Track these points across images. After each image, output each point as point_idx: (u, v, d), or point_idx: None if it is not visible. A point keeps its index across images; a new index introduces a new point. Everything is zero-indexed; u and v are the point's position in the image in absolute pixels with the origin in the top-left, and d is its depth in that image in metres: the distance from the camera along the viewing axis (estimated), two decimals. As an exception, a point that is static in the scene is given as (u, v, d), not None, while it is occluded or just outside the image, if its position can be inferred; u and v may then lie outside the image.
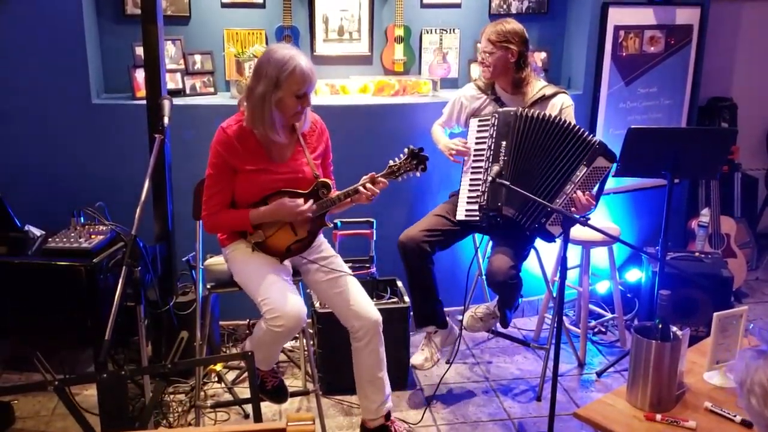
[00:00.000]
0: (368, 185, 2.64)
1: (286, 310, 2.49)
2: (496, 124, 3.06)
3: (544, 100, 3.16)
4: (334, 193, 2.69)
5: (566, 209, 2.97)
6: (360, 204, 2.70)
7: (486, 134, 3.10)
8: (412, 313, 3.27)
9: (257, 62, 2.61)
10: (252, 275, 2.63)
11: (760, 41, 4.93)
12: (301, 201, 2.62)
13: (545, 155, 3.00)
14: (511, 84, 3.18)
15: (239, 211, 2.67)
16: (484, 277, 3.59)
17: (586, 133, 3.01)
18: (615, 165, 3.05)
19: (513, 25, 3.14)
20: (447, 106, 3.42)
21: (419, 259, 3.10)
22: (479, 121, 3.16)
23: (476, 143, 3.15)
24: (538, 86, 3.20)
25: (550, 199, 2.95)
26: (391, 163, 2.68)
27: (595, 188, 3.02)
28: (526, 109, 3.04)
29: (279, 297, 2.53)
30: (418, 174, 2.68)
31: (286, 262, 2.76)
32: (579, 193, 2.95)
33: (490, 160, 3.04)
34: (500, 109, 3.10)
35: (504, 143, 3.02)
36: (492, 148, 3.05)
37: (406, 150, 2.67)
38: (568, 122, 3.03)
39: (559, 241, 3.08)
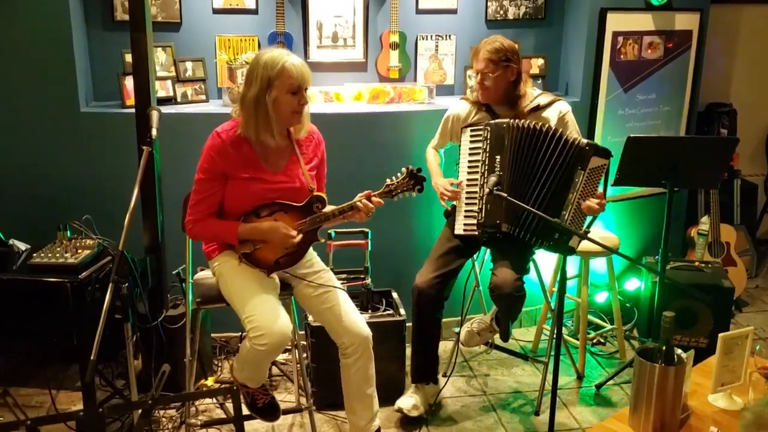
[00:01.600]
0: (364, 201, 2.57)
1: (271, 328, 2.43)
2: (488, 137, 2.97)
3: (539, 109, 3.08)
4: (329, 208, 2.63)
5: (578, 217, 2.91)
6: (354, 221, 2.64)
7: (479, 145, 3.02)
8: (409, 367, 3.22)
9: (248, 69, 2.56)
10: (238, 291, 2.57)
11: (760, 47, 4.88)
12: (294, 232, 2.56)
13: (540, 166, 2.92)
14: (508, 102, 3.07)
15: (227, 222, 2.60)
16: (481, 288, 3.54)
17: (574, 136, 2.93)
18: (612, 159, 2.95)
19: (508, 41, 3.03)
20: (439, 126, 3.31)
21: (434, 311, 3.06)
22: (471, 130, 3.06)
23: (470, 154, 3.06)
24: (531, 96, 3.11)
25: (556, 212, 2.88)
26: (388, 181, 2.62)
27: (600, 188, 2.94)
28: (519, 120, 2.96)
29: (263, 315, 2.46)
30: (414, 194, 2.61)
31: (274, 276, 2.69)
32: (588, 202, 2.88)
33: (485, 174, 2.97)
34: (492, 121, 3.01)
35: (498, 157, 2.94)
36: (486, 162, 2.98)
37: (404, 169, 2.60)
38: (555, 129, 2.93)
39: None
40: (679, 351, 2.05)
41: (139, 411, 2.66)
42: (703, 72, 4.28)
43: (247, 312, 2.48)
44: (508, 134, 2.93)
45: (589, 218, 2.97)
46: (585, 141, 2.91)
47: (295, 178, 2.63)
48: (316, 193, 2.62)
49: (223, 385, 3.37)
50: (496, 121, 3.00)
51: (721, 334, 2.14)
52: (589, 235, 2.51)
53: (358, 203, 2.57)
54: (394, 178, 2.61)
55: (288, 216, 2.60)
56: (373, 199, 2.59)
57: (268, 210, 2.59)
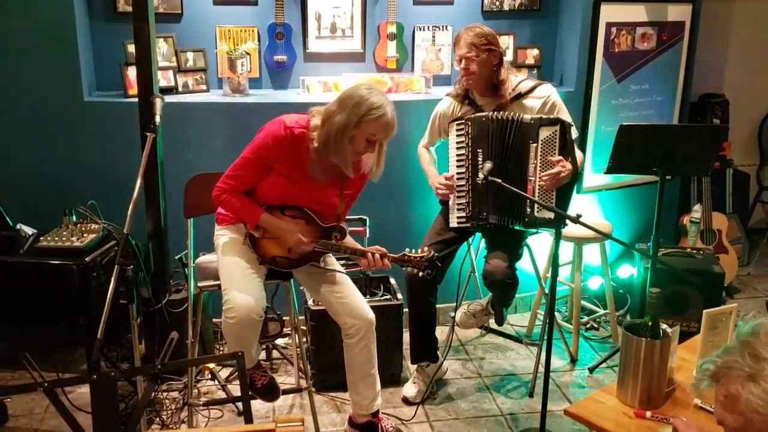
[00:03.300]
0: (376, 256, 2.65)
1: (239, 302, 2.51)
2: (469, 131, 3.06)
3: (521, 96, 3.12)
4: (345, 241, 2.70)
5: (547, 191, 2.96)
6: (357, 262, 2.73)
7: (463, 139, 3.10)
8: (407, 351, 3.30)
9: (350, 91, 2.57)
10: (227, 263, 2.65)
11: (752, 37, 4.95)
12: (307, 240, 2.64)
13: (515, 153, 3.00)
14: (490, 88, 3.11)
15: (254, 205, 2.66)
16: (476, 274, 3.62)
17: (525, 115, 2.99)
18: (565, 126, 2.97)
19: (487, 28, 3.08)
20: (428, 125, 3.37)
21: (427, 294, 3.14)
22: (457, 125, 3.13)
23: (457, 148, 3.13)
24: (513, 83, 3.14)
25: (523, 187, 2.94)
26: (408, 252, 2.67)
27: (556, 153, 2.95)
28: (495, 113, 3.03)
29: (238, 290, 2.55)
30: (421, 274, 2.68)
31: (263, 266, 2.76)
32: (547, 172, 2.92)
33: (470, 168, 3.07)
34: (472, 115, 3.08)
35: (480, 150, 3.03)
36: (470, 156, 3.06)
37: (426, 250, 2.67)
38: (515, 115, 3.00)
39: (551, 237, 3.09)
40: (664, 326, 2.13)
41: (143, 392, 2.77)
42: (696, 63, 4.35)
43: (225, 283, 2.59)
44: (486, 127, 3.02)
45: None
46: (530, 116, 2.98)
47: (330, 199, 2.69)
48: (341, 224, 2.69)
49: (223, 367, 3.45)
50: (476, 114, 3.08)
51: (705, 311, 2.22)
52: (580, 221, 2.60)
53: (369, 255, 2.65)
54: (414, 252, 2.67)
55: (308, 228, 2.67)
56: (384, 261, 2.67)
57: (294, 212, 2.66)
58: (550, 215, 2.92)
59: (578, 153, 3.06)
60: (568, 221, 2.67)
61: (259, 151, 2.60)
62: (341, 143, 2.52)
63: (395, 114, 2.56)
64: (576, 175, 3.00)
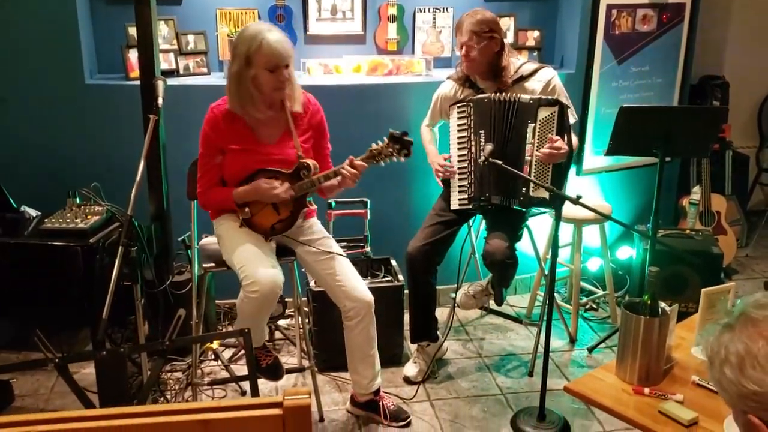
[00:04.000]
0: (348, 167, 2.64)
1: (260, 275, 2.54)
2: (471, 112, 3.08)
3: (523, 80, 3.13)
4: (315, 175, 2.70)
5: (540, 168, 2.98)
6: (348, 188, 2.73)
7: (464, 122, 3.11)
8: (407, 332, 3.34)
9: (232, 43, 2.63)
10: (234, 247, 2.68)
11: (752, 19, 4.94)
12: (276, 183, 2.65)
13: (514, 133, 3.02)
14: (491, 73, 3.11)
15: (226, 189, 2.74)
16: (477, 256, 3.65)
17: (524, 96, 3.01)
18: (563, 107, 2.99)
19: (489, 13, 3.08)
20: (430, 106, 3.38)
21: (427, 274, 3.16)
22: (458, 108, 3.15)
23: (458, 130, 3.15)
24: (515, 66, 3.15)
25: (519, 167, 2.96)
26: (373, 146, 2.65)
27: (554, 133, 2.96)
28: (496, 95, 3.04)
29: (255, 265, 2.58)
30: (402, 159, 2.63)
31: (272, 243, 2.79)
32: (543, 150, 2.94)
33: (471, 149, 3.08)
34: (474, 97, 3.10)
35: (482, 132, 3.05)
36: (472, 138, 3.08)
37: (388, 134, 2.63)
38: (515, 96, 3.01)
39: (551, 219, 3.11)
40: (663, 305, 2.15)
41: (149, 372, 2.81)
42: (696, 44, 4.35)
43: (241, 263, 2.61)
44: (488, 109, 3.04)
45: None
46: (529, 97, 3.00)
47: (286, 150, 2.71)
48: (302, 161, 2.69)
49: (226, 348, 3.49)
50: (477, 96, 3.10)
51: (704, 290, 2.24)
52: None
53: (343, 171, 2.64)
54: (380, 142, 2.65)
55: (280, 182, 2.68)
56: (356, 163, 2.65)
57: (261, 177, 2.69)
58: (545, 195, 2.95)
59: (574, 138, 3.08)
60: (563, 203, 2.70)
61: (205, 142, 2.71)
62: (248, 89, 2.57)
63: (281, 33, 2.58)
64: (570, 158, 3.01)
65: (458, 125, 3.15)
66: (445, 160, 3.18)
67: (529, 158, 2.99)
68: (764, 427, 1.05)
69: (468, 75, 3.18)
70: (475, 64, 3.07)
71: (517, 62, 3.18)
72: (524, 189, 3.00)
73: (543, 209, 3.13)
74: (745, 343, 1.07)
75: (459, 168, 3.15)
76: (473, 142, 3.09)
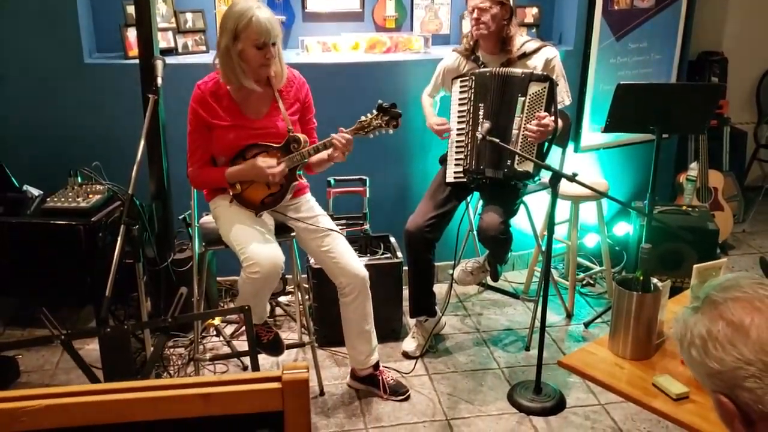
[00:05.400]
0: (337, 138, 2.65)
1: (261, 256, 2.57)
2: (473, 86, 3.10)
3: (527, 56, 3.15)
4: (306, 146, 2.72)
5: (527, 142, 3.01)
6: (339, 162, 2.74)
7: (466, 95, 3.13)
8: (407, 308, 3.38)
9: (221, 17, 2.64)
10: (231, 228, 2.71)
11: (752, -5, 4.93)
12: (273, 161, 2.67)
13: (506, 106, 3.05)
14: (499, 43, 3.14)
15: (218, 168, 2.76)
16: (474, 233, 3.69)
17: (520, 72, 3.04)
18: (553, 84, 3.02)
19: None
20: (433, 77, 3.40)
21: (425, 251, 3.19)
22: (460, 81, 3.17)
23: (459, 104, 3.18)
24: (519, 42, 3.18)
25: (506, 142, 2.99)
26: (362, 118, 2.67)
27: (543, 110, 2.99)
28: (499, 69, 3.06)
29: (255, 245, 2.61)
30: (390, 131, 2.66)
31: (267, 219, 2.82)
32: (530, 125, 2.98)
33: (470, 123, 3.10)
34: (476, 70, 3.12)
35: (482, 105, 3.07)
36: (471, 111, 3.10)
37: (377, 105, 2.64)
38: (513, 71, 3.04)
39: (548, 195, 3.15)
40: (655, 280, 2.19)
41: (151, 349, 2.86)
42: (695, 21, 4.34)
43: (240, 244, 2.64)
44: (489, 83, 3.06)
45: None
46: (521, 70, 3.03)
47: (275, 123, 2.74)
48: (292, 134, 2.71)
49: (228, 324, 3.54)
50: (480, 70, 3.11)
51: (696, 265, 2.28)
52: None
53: (335, 141, 2.65)
54: (368, 114, 2.67)
55: (270, 156, 2.72)
56: (344, 134, 2.66)
57: (252, 152, 2.72)
58: (529, 168, 2.99)
59: (559, 121, 3.09)
60: (544, 179, 2.71)
61: (194, 119, 2.73)
62: (235, 64, 2.60)
63: (269, 11, 2.61)
64: (554, 136, 3.05)
65: (459, 99, 3.17)
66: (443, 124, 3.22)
67: (516, 131, 3.02)
68: (731, 404, 1.09)
69: (473, 48, 3.21)
70: (485, 27, 3.07)
71: (520, 39, 3.20)
72: (509, 161, 3.04)
73: (522, 182, 3.14)
74: (707, 325, 1.12)
75: (456, 141, 3.18)
76: (472, 116, 3.11)
